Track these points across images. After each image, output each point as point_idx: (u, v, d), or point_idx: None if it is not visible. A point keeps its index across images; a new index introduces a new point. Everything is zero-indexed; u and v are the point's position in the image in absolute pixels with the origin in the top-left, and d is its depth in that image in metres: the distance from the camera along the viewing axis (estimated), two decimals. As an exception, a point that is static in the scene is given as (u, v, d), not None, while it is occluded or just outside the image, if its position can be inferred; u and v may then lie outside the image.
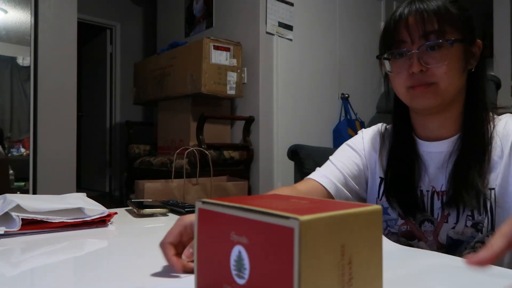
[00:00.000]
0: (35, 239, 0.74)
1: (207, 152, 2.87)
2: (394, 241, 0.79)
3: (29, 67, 2.88)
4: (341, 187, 0.92)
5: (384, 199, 0.90)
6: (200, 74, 3.25)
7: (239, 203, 0.38)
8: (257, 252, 0.35)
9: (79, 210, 0.84)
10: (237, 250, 0.37)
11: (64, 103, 2.99)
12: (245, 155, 3.47)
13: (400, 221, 0.88)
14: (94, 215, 0.84)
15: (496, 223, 0.79)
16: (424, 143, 0.87)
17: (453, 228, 0.83)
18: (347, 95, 4.02)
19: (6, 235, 0.74)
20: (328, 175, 0.93)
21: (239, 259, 0.37)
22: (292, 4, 3.69)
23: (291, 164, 2.41)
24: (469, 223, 0.81)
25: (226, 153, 3.35)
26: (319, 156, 2.34)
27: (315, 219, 0.33)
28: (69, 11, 3.02)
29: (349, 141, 1.02)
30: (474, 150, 0.79)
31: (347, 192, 0.93)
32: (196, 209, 0.42)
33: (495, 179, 0.79)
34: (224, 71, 3.36)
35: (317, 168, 0.98)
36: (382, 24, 4.64)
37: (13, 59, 3.06)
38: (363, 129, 1.04)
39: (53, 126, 2.93)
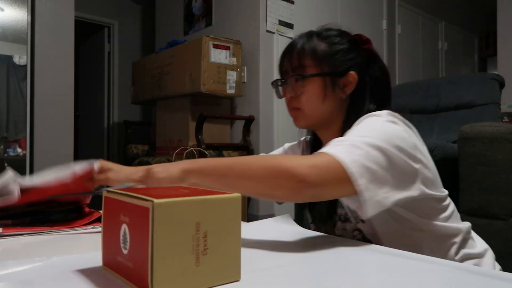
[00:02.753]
0: (32, 241, 0.74)
1: (206, 152, 2.84)
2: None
3: (25, 66, 2.88)
4: None
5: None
6: (199, 73, 3.22)
7: (132, 192, 0.47)
8: (133, 228, 0.45)
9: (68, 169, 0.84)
10: (124, 228, 0.47)
11: (61, 103, 2.99)
12: (245, 155, 3.43)
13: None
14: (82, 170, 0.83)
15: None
16: None
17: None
18: (347, 95, 4.00)
19: (3, 235, 0.75)
20: None
21: (124, 234, 0.47)
22: (292, 2, 3.67)
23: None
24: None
25: (225, 153, 3.33)
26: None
27: (167, 201, 0.43)
28: (66, 9, 3.02)
29: (272, 153, 1.17)
30: None
31: None
32: (103, 197, 0.52)
33: None
34: (224, 70, 3.34)
35: None
36: (384, 23, 4.64)
37: (9, 58, 3.07)
38: (286, 144, 1.20)
39: (50, 126, 2.93)
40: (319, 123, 0.97)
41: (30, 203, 0.81)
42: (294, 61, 0.95)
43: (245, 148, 3.46)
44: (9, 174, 0.80)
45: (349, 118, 0.94)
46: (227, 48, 3.37)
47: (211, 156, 3.05)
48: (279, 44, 3.56)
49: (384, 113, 0.84)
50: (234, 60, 3.40)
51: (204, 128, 3.23)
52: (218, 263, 0.47)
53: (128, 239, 0.46)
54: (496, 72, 3.22)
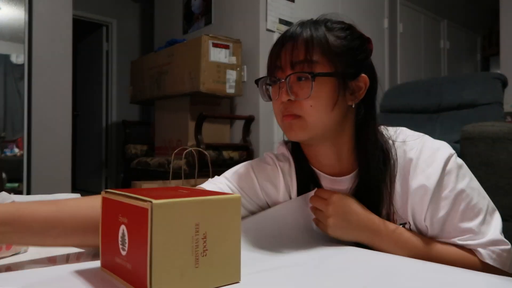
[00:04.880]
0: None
1: (206, 153, 2.83)
2: None
3: (23, 65, 2.89)
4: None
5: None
6: (199, 72, 3.20)
7: (130, 192, 0.46)
8: (132, 229, 0.45)
9: None
10: (122, 229, 0.46)
11: (59, 102, 2.99)
12: (245, 155, 3.43)
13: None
14: None
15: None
16: (327, 177, 0.84)
17: None
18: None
19: None
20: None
21: (123, 235, 0.46)
22: (293, 0, 3.66)
23: (293, 165, 2.35)
24: None
25: (225, 154, 3.31)
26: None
27: (166, 202, 0.42)
28: (64, 7, 3.02)
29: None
30: (370, 191, 0.78)
31: None
32: (101, 198, 0.52)
33: (405, 213, 0.78)
34: (223, 69, 3.32)
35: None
36: (386, 21, 4.61)
37: (6, 57, 3.07)
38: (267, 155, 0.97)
39: (48, 125, 2.93)
40: (320, 137, 0.78)
41: None
42: (298, 54, 0.74)
43: (245, 148, 3.44)
44: (8, 198, 0.76)
45: (360, 133, 0.80)
46: (226, 47, 3.35)
47: (211, 157, 3.02)
48: (279, 43, 3.53)
49: (459, 161, 0.77)
50: (234, 59, 3.38)
51: (204, 128, 3.21)
52: (217, 264, 0.47)
53: (126, 240, 0.46)
54: (499, 71, 3.20)
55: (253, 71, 3.52)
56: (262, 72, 3.44)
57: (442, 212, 0.73)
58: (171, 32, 4.45)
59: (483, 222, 0.74)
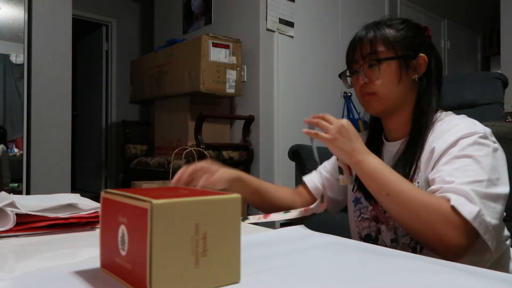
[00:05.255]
0: (27, 242, 0.73)
1: (206, 153, 2.82)
2: (365, 226, 1.04)
3: (22, 64, 2.88)
4: (320, 187, 1.16)
5: (357, 191, 1.07)
6: (199, 72, 3.20)
7: (130, 192, 0.46)
8: (132, 229, 0.45)
9: (73, 206, 0.84)
10: (122, 229, 0.46)
11: (59, 102, 2.98)
12: (245, 155, 3.42)
13: (370, 208, 1.03)
14: (89, 210, 0.84)
15: None
16: (386, 143, 1.06)
17: None
18: (349, 94, 3.96)
19: (1, 236, 0.74)
20: (313, 177, 1.19)
21: (123, 235, 0.46)
22: (293, 0, 3.65)
23: (292, 164, 2.35)
24: None
25: (225, 154, 3.31)
26: (321, 157, 2.26)
27: (166, 202, 0.42)
28: (63, 7, 3.02)
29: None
30: (410, 152, 0.94)
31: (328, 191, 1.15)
32: (101, 198, 0.51)
33: (422, 175, 0.91)
34: (223, 69, 3.32)
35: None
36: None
37: (6, 57, 3.07)
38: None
39: (47, 125, 2.92)
40: (393, 107, 0.98)
41: (26, 228, 0.78)
42: (365, 49, 0.98)
43: (245, 148, 3.44)
44: (7, 199, 0.77)
45: (419, 103, 0.98)
46: (226, 46, 3.35)
47: (211, 156, 3.01)
48: (280, 43, 3.54)
49: (489, 135, 0.86)
50: (234, 59, 3.37)
51: (204, 127, 3.21)
52: (217, 264, 0.47)
53: (126, 241, 0.46)
54: (499, 71, 3.19)
55: (253, 71, 3.51)
56: (262, 71, 3.48)
57: (438, 165, 0.84)
58: (171, 32, 4.44)
59: (469, 184, 0.77)
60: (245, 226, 0.87)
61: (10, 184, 2.80)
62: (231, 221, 0.48)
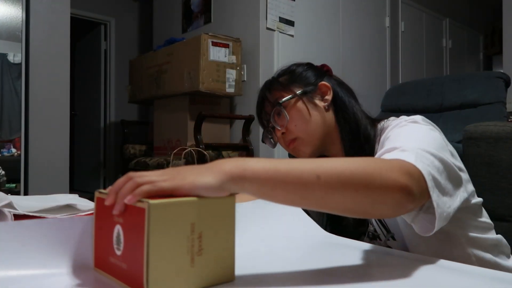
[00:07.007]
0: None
1: (205, 153, 2.81)
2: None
3: (20, 64, 2.86)
4: None
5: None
6: (198, 72, 3.19)
7: None
8: (128, 229, 0.46)
9: (72, 207, 0.85)
10: (117, 229, 0.47)
11: (57, 102, 2.97)
12: (245, 155, 3.41)
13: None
14: (87, 211, 0.85)
15: (387, 225, 0.88)
16: None
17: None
18: (349, 94, 3.96)
19: None
20: None
21: (118, 235, 0.47)
22: (293, -1, 3.64)
23: (293, 165, 2.33)
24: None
25: (225, 154, 3.30)
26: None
27: (162, 202, 0.44)
28: (61, 5, 3.00)
29: None
30: None
31: None
32: (95, 198, 0.52)
33: None
34: (223, 68, 3.31)
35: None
36: (387, 20, 4.59)
37: (3, 56, 3.07)
38: None
39: (45, 125, 2.91)
40: (321, 143, 0.96)
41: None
42: (268, 107, 0.99)
43: (245, 148, 3.42)
44: (5, 199, 0.78)
45: (340, 125, 0.96)
46: (226, 46, 3.33)
47: (210, 156, 3.00)
48: (280, 42, 3.53)
49: (419, 119, 0.81)
50: (233, 58, 3.36)
51: (203, 127, 3.20)
52: (212, 263, 0.48)
53: (122, 240, 0.47)
54: (501, 71, 3.17)
55: (253, 70, 3.51)
56: (262, 71, 3.46)
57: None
58: (170, 31, 4.43)
59: (394, 149, 0.68)
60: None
61: (8, 185, 2.79)
62: (226, 220, 0.50)
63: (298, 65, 1.03)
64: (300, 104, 0.95)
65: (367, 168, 0.57)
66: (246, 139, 3.45)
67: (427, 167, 0.63)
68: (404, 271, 0.56)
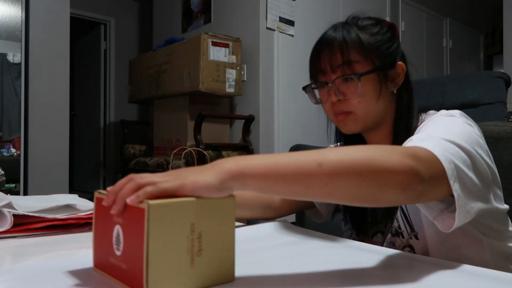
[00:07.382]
0: (24, 243, 0.74)
1: (205, 153, 2.80)
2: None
3: (19, 64, 2.86)
4: None
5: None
6: (198, 71, 3.18)
7: None
8: (127, 229, 0.46)
9: (71, 207, 0.85)
10: (117, 229, 0.47)
11: (56, 102, 2.97)
12: (245, 155, 3.38)
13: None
14: (87, 211, 0.85)
15: (413, 223, 0.83)
16: None
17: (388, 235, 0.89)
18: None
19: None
20: None
21: (118, 235, 0.47)
22: (293, -1, 3.63)
23: (293, 165, 2.33)
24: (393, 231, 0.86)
25: (225, 154, 3.30)
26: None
27: (162, 203, 0.44)
28: (61, 5, 3.00)
29: None
30: None
31: None
32: (94, 198, 0.52)
33: None
34: (223, 68, 3.30)
35: None
36: (388, 20, 4.59)
37: (3, 56, 3.08)
38: None
39: (45, 125, 2.91)
40: (372, 125, 0.86)
41: (23, 229, 0.79)
42: (337, 58, 0.83)
43: (245, 148, 3.42)
44: (5, 199, 0.78)
45: (400, 114, 0.86)
46: (226, 45, 3.33)
47: (210, 157, 2.99)
48: (280, 42, 3.53)
49: (457, 113, 0.77)
50: (233, 58, 3.36)
51: (203, 127, 3.19)
52: (212, 263, 0.48)
53: (121, 240, 0.47)
54: (502, 70, 3.17)
55: (253, 70, 3.50)
56: (262, 71, 3.46)
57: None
58: (170, 31, 4.43)
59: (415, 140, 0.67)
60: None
61: (7, 185, 2.78)
62: (226, 221, 0.49)
63: (382, 29, 0.87)
64: (375, 81, 0.83)
65: (370, 152, 0.57)
66: (246, 139, 3.44)
67: (449, 155, 0.61)
68: (422, 275, 0.55)
